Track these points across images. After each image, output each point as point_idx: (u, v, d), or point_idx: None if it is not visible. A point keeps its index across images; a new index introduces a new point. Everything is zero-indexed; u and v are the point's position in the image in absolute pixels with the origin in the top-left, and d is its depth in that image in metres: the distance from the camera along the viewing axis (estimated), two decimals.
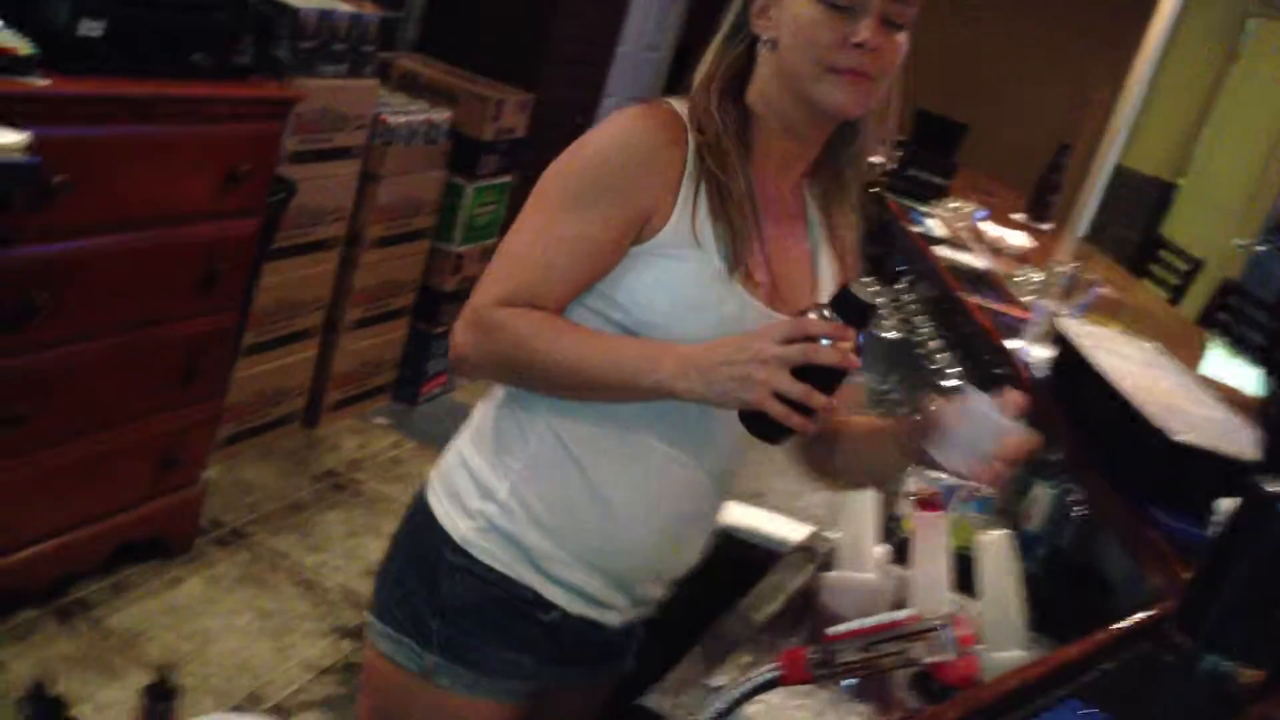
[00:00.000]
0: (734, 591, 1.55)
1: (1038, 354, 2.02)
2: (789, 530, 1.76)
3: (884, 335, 2.42)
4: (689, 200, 1.28)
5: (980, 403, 1.22)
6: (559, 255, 1.28)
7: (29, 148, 1.95)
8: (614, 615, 1.41)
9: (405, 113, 3.64)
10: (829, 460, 1.46)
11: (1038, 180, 3.89)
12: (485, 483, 1.37)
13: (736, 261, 1.28)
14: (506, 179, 4.19)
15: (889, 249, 3.20)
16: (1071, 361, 1.81)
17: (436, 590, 1.38)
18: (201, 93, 2.38)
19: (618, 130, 1.30)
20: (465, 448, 1.41)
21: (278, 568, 3.06)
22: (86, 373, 2.37)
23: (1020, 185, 4.36)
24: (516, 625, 1.37)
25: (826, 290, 1.39)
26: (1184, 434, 1.46)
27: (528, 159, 4.23)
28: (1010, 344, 2.11)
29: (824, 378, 1.14)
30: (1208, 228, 7.64)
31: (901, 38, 1.30)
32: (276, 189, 2.82)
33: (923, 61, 4.48)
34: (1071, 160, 3.87)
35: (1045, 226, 3.84)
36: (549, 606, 1.37)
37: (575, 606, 1.38)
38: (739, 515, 1.75)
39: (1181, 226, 7.72)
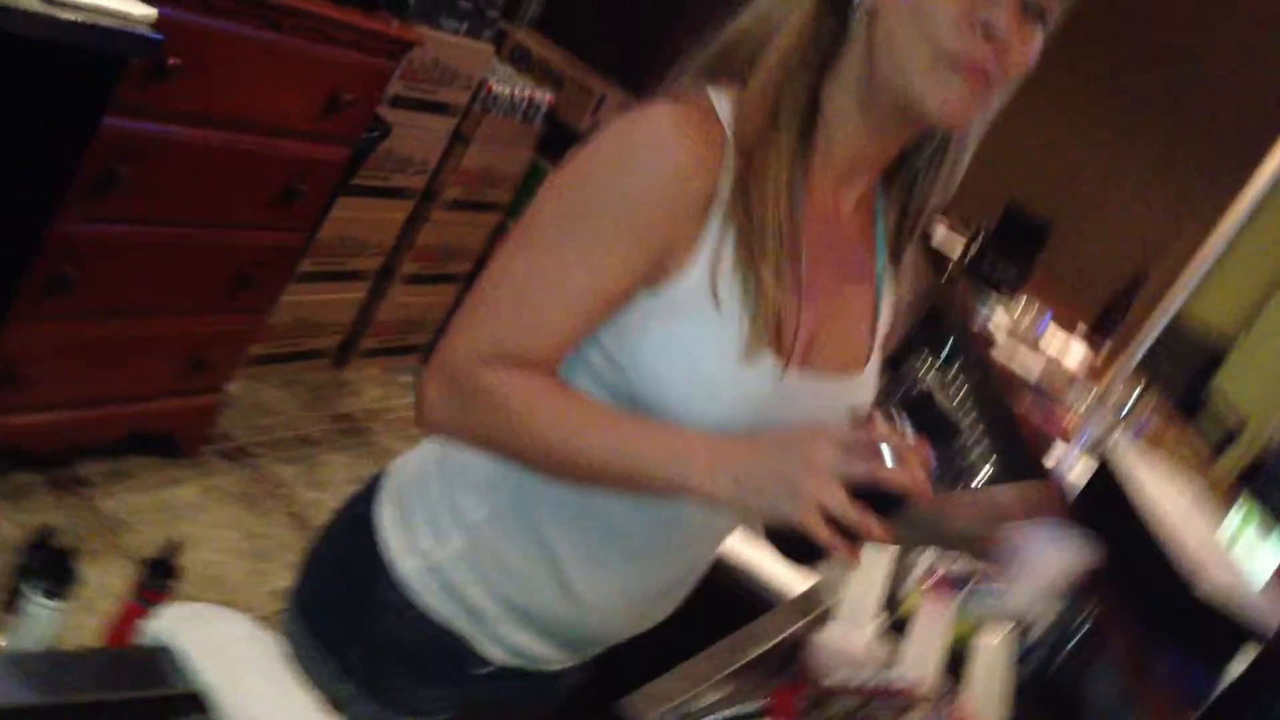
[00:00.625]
0: (727, 626, 1.54)
1: (1077, 470, 2.01)
2: (793, 579, 1.75)
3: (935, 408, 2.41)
4: (716, 239, 1.02)
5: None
6: (555, 303, 1.02)
7: (156, 24, 1.98)
8: (555, 666, 1.25)
9: (510, 84, 3.66)
10: None
11: (1109, 300, 3.87)
12: (441, 523, 1.15)
13: (765, 327, 1.02)
14: None
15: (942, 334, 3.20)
16: (1109, 485, 1.79)
17: (362, 620, 1.18)
18: (329, 13, 2.40)
19: (638, 143, 1.02)
20: (431, 467, 1.18)
21: (274, 494, 3.07)
22: (145, 256, 2.39)
23: (1086, 298, 4.33)
24: (445, 669, 1.19)
25: (880, 340, 1.18)
26: (1209, 589, 1.44)
27: None
28: (1052, 456, 2.09)
29: (883, 500, 0.93)
30: (1259, 390, 7.58)
31: (1039, 36, 1.03)
32: (372, 126, 2.84)
33: (1020, 152, 4.46)
34: (1145, 289, 3.85)
35: (1104, 347, 3.82)
36: (483, 662, 1.19)
37: (512, 662, 1.20)
38: (747, 555, 1.74)
39: (1232, 383, 7.67)
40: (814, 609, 1.66)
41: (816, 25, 1.05)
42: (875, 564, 1.65)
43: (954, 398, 2.59)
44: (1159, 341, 7.50)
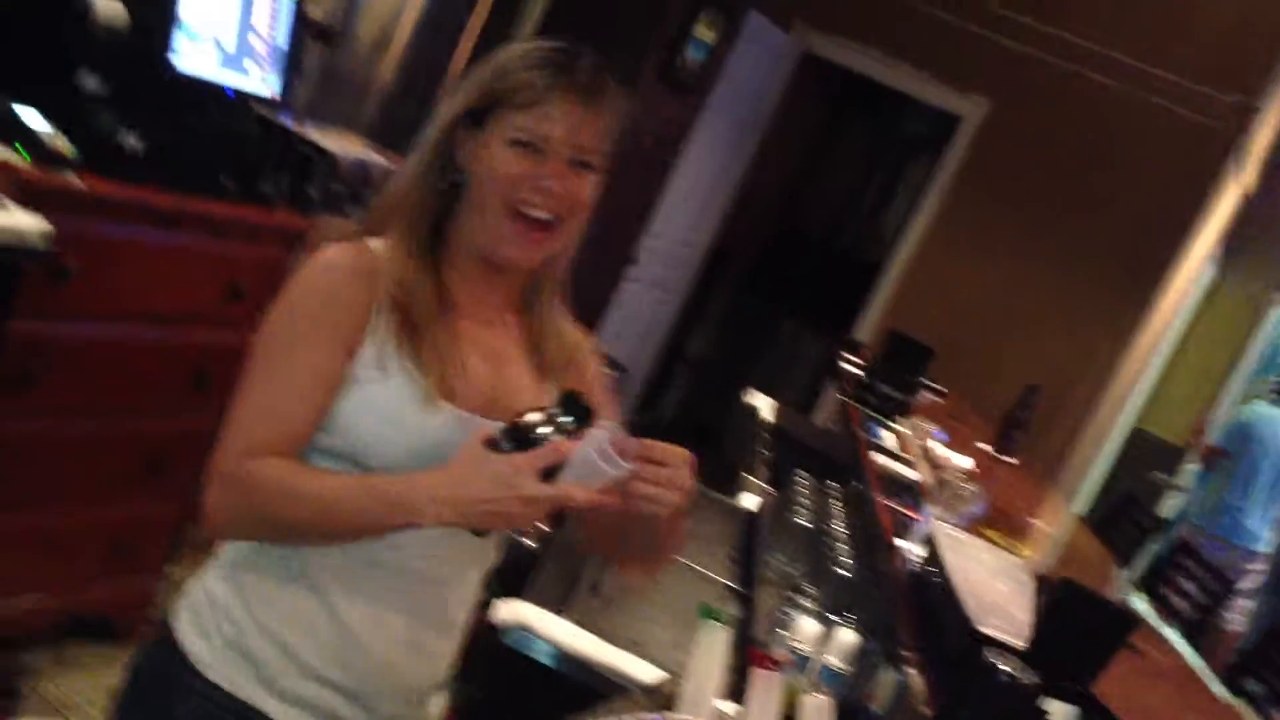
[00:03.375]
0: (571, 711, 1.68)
1: (916, 553, 2.17)
2: (643, 671, 1.89)
3: (798, 521, 2.58)
4: (376, 332, 1.37)
5: (596, 442, 1.27)
6: (283, 397, 1.34)
7: (48, 235, 2.22)
8: None
9: None
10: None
11: (1004, 416, 4.07)
12: (222, 600, 1.40)
13: (435, 387, 1.36)
14: None
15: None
16: (932, 560, 1.96)
17: (171, 714, 1.38)
18: (220, 212, 2.65)
19: (306, 274, 1.39)
20: (207, 573, 1.44)
21: None
22: (61, 447, 2.58)
23: (993, 413, 4.53)
24: None
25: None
26: (988, 627, 1.60)
27: None
28: (900, 541, 2.26)
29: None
30: None
31: (593, 177, 1.41)
32: None
33: (939, 288, 4.77)
34: (1038, 401, 4.04)
35: (1011, 460, 4.00)
36: None
37: None
38: (597, 650, 1.89)
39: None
40: (656, 698, 1.80)
41: (423, 190, 1.43)
42: (711, 649, 1.80)
43: (828, 500, 2.77)
44: (1116, 467, 7.61)
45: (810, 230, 8.36)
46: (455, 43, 4.36)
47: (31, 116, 2.39)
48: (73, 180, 2.37)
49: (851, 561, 2.33)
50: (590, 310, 5.45)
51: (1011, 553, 2.30)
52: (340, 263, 1.40)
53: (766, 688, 1.72)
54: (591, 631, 2.01)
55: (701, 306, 7.52)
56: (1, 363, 2.33)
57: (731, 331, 7.98)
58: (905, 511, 2.48)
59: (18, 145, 2.34)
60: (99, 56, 2.50)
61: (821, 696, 1.72)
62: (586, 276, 5.15)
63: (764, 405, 4.39)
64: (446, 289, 1.43)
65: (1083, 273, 6.03)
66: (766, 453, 3.78)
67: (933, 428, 3.68)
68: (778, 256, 8.11)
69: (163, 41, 2.57)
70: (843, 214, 8.57)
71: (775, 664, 1.79)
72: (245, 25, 2.77)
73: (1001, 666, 1.28)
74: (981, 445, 4.07)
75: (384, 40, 4.02)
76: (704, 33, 4.75)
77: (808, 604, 2.18)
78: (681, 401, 7.85)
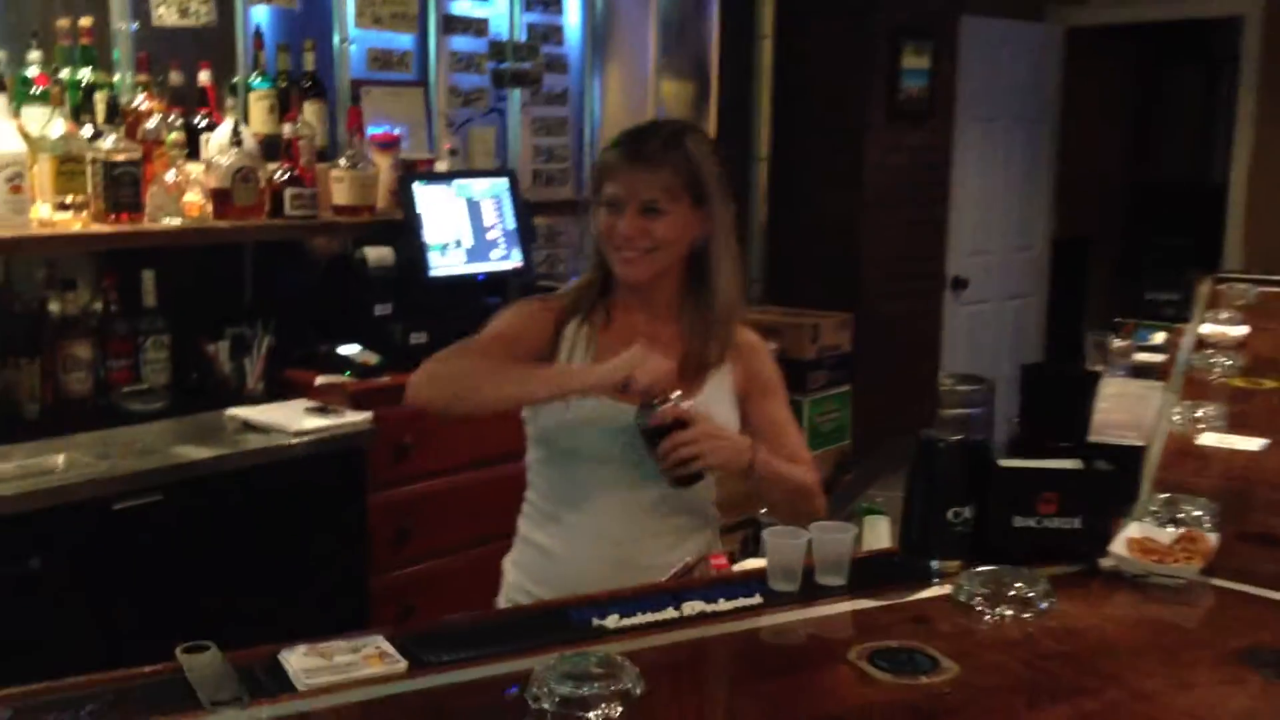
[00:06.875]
0: None
1: None
2: None
3: None
4: (567, 352, 2.00)
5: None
6: (478, 346, 1.99)
7: (373, 422, 3.02)
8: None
9: None
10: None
11: None
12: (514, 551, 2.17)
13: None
14: (844, 389, 4.88)
15: None
16: None
17: None
18: None
19: (510, 308, 2.07)
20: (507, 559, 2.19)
21: None
22: (456, 573, 3.34)
23: None
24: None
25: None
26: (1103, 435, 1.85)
27: (861, 369, 4.92)
28: None
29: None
30: None
31: (665, 218, 1.90)
32: None
33: None
34: None
35: None
36: None
37: None
38: None
39: None
40: None
41: (597, 259, 2.03)
42: (880, 538, 2.13)
43: None
44: None
45: (1171, 184, 8.08)
46: None
47: (349, 349, 3.25)
48: (384, 380, 3.18)
49: None
50: (928, 341, 5.73)
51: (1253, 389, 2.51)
52: (526, 305, 2.06)
53: None
54: None
55: (1076, 298, 7.45)
56: (381, 526, 3.13)
57: (1119, 313, 7.80)
58: None
59: (346, 372, 3.20)
60: (381, 289, 3.35)
61: None
62: (910, 314, 5.52)
63: None
64: (609, 316, 2.01)
65: None
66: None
67: (1224, 314, 3.68)
68: (1141, 220, 7.90)
69: (421, 262, 3.39)
70: (1193, 158, 8.23)
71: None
72: (478, 225, 3.55)
73: (933, 437, 1.56)
74: None
75: None
76: (913, 61, 5.06)
77: None
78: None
